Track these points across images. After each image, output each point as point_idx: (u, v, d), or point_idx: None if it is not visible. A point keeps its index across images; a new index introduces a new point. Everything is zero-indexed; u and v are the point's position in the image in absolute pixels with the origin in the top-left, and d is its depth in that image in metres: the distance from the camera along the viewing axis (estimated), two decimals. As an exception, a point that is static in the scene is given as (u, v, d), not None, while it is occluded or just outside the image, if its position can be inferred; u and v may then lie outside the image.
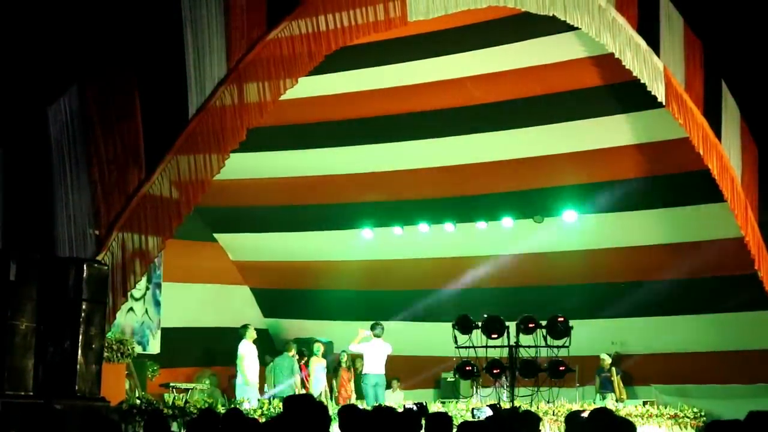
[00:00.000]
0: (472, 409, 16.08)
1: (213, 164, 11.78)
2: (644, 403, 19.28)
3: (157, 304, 21.37)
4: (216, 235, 23.67)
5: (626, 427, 7.12)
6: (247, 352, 17.70)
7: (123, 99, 11.08)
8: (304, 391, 18.75)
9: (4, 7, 10.73)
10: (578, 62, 18.11)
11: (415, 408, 11.37)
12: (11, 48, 10.60)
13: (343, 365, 20.49)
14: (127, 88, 11.11)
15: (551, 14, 15.34)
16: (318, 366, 19.65)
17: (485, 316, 16.26)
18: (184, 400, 14.62)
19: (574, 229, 20.55)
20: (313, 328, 22.93)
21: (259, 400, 16.51)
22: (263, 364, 19.12)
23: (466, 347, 16.29)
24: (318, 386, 19.44)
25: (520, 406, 14.74)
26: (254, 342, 17.96)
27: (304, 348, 20.47)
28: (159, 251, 11.59)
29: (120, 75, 11.15)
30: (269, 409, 14.65)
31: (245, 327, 18.15)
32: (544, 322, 16.26)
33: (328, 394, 19.71)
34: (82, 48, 10.93)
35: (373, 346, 18.11)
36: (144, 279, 19.04)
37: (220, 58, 11.82)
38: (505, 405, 14.53)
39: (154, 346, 21.12)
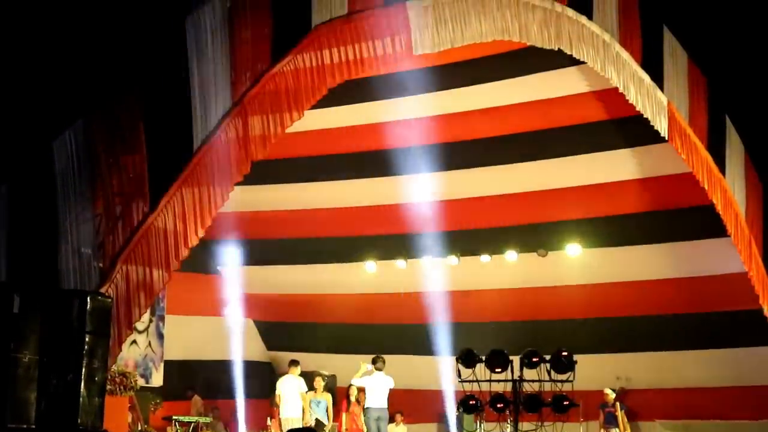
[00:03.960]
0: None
1: (217, 197, 11.77)
2: (648, 439, 19.22)
3: (161, 336, 21.35)
4: (220, 268, 23.65)
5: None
6: (294, 387, 18.08)
7: (128, 132, 11.09)
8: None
9: (10, 40, 10.77)
10: (582, 97, 18.15)
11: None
12: (16, 82, 10.63)
13: (353, 399, 20.38)
14: (132, 121, 11.12)
15: (557, 48, 15.38)
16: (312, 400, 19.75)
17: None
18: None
19: (577, 264, 20.52)
20: (315, 361, 22.85)
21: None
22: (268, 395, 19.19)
23: (469, 381, 16.21)
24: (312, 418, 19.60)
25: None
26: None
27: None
28: (164, 284, 11.56)
29: (125, 108, 11.15)
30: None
31: (293, 362, 18.52)
32: (548, 357, 16.20)
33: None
34: (87, 81, 10.97)
35: (375, 380, 18.05)
36: (147, 311, 19.04)
37: (224, 91, 11.82)
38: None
39: (157, 379, 21.09)
